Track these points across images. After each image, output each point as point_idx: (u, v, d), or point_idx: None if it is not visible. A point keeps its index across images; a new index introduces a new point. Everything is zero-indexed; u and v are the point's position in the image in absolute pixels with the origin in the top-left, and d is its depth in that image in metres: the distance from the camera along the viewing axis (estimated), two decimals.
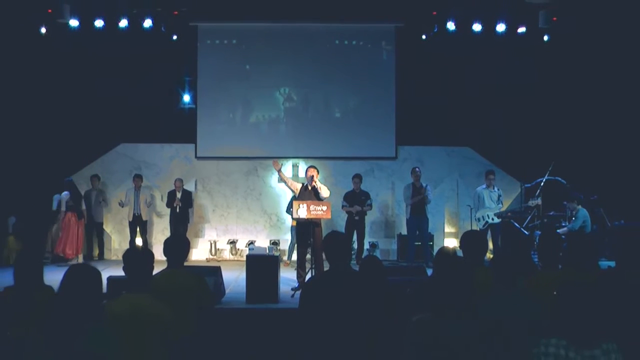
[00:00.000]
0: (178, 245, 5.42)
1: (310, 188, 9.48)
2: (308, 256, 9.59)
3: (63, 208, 12.71)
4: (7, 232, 12.63)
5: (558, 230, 11.27)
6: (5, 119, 12.63)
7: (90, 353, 3.47)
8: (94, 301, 3.72)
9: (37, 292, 4.68)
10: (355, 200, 12.59)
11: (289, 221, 13.19)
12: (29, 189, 12.85)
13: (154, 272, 4.60)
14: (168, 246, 5.34)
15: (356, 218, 12.53)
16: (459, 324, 3.49)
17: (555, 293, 3.42)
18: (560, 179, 12.01)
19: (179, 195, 13.19)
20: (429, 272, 8.63)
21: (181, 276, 5.24)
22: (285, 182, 10.22)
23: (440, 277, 3.74)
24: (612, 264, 5.66)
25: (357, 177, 12.79)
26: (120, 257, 4.52)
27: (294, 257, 11.50)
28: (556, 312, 3.33)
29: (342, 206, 12.62)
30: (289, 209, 12.84)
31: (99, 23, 12.99)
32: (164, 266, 5.32)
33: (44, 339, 3.52)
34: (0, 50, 12.27)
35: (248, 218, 14.19)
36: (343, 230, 12.48)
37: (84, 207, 13.03)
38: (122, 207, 13.27)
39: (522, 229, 12.09)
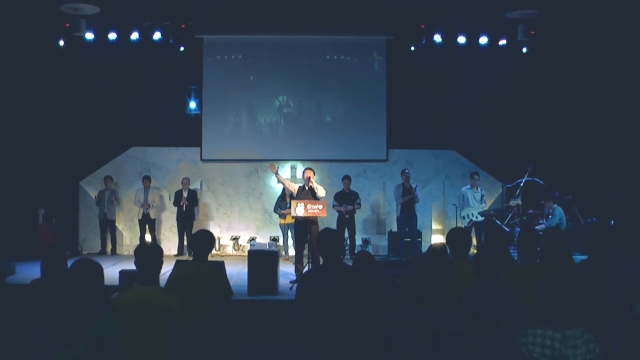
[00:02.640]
0: (203, 239, 5.43)
1: (307, 188, 9.49)
2: (305, 251, 9.60)
3: (40, 221, 12.75)
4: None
5: (536, 227, 11.32)
6: (28, 124, 12.64)
7: (93, 340, 3.48)
8: (96, 292, 3.72)
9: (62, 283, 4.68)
10: (345, 199, 12.58)
11: (277, 219, 13.26)
12: (47, 188, 12.91)
13: (163, 267, 4.60)
14: (194, 240, 5.38)
15: (346, 217, 12.53)
16: (439, 313, 3.50)
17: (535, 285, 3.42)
18: (538, 179, 12.05)
19: (185, 194, 13.21)
20: None
21: (202, 268, 5.27)
22: (283, 184, 10.23)
23: (421, 270, 3.75)
24: (585, 257, 5.68)
25: (347, 178, 12.78)
26: (132, 252, 4.53)
27: (291, 252, 11.51)
28: (538, 301, 3.33)
29: (333, 205, 12.60)
30: (277, 209, 12.90)
31: (112, 36, 12.99)
32: (172, 261, 5.34)
33: (51, 327, 3.53)
34: (22, 61, 12.29)
35: (249, 216, 14.19)
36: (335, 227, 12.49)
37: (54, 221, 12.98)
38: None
39: (503, 226, 12.12)
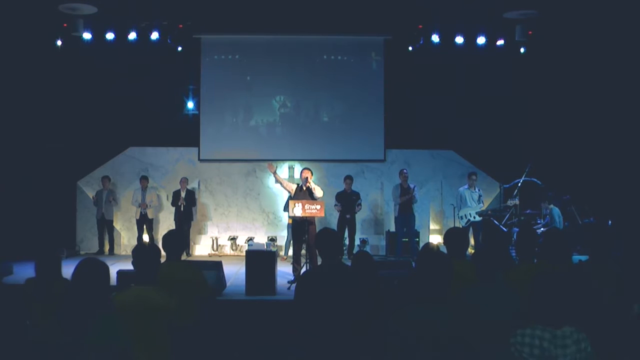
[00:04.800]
0: (173, 239, 5.39)
1: (305, 188, 9.48)
2: (303, 252, 9.59)
3: None
4: None
5: (535, 227, 11.30)
6: (26, 124, 12.62)
7: (99, 338, 3.48)
8: (102, 292, 3.72)
9: (55, 283, 4.69)
10: (346, 199, 12.57)
11: (285, 219, 13.18)
12: (48, 188, 12.91)
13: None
14: (164, 241, 5.31)
15: (347, 217, 12.52)
16: (439, 313, 3.50)
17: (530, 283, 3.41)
18: (536, 180, 12.05)
19: (183, 194, 13.20)
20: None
21: (179, 268, 5.21)
22: (280, 183, 10.20)
23: (422, 270, 3.74)
24: (583, 258, 5.68)
25: (349, 178, 12.78)
26: (129, 252, 4.53)
27: (290, 252, 11.49)
28: (530, 299, 3.32)
29: (335, 205, 12.62)
30: (286, 208, 12.85)
31: (110, 36, 12.97)
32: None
33: (59, 326, 3.53)
34: (20, 61, 12.27)
35: (247, 216, 14.18)
36: (336, 227, 12.49)
37: None
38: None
39: (501, 226, 12.11)
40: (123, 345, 3.59)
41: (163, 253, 4.47)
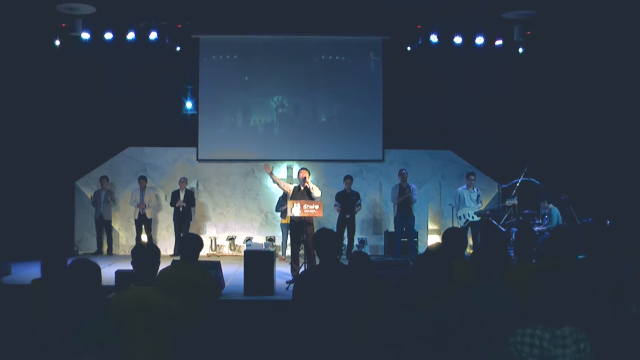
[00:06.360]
0: (190, 241, 5.47)
1: (302, 188, 9.48)
2: (301, 252, 9.59)
3: None
4: None
5: (535, 228, 11.31)
6: (25, 124, 12.61)
7: (90, 338, 3.48)
8: (93, 292, 3.72)
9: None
10: (346, 199, 12.57)
11: (274, 220, 13.24)
12: (46, 188, 12.91)
13: (160, 267, 4.59)
14: (183, 243, 5.39)
15: (347, 217, 12.52)
16: (437, 313, 3.50)
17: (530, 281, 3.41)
18: (534, 180, 12.06)
19: (182, 195, 13.19)
20: None
21: (188, 270, 5.25)
22: (278, 184, 10.18)
23: (420, 270, 3.74)
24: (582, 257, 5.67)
25: (349, 178, 12.77)
26: (128, 253, 4.52)
27: (288, 252, 11.50)
28: (530, 299, 3.32)
29: (334, 205, 12.62)
30: (278, 208, 12.87)
31: (108, 36, 12.98)
32: (168, 261, 5.32)
33: (49, 326, 3.54)
34: (18, 61, 12.26)
35: (246, 216, 14.18)
36: (335, 227, 12.49)
37: None
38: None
39: (499, 226, 12.13)
40: (114, 344, 3.59)
41: (162, 253, 4.47)
